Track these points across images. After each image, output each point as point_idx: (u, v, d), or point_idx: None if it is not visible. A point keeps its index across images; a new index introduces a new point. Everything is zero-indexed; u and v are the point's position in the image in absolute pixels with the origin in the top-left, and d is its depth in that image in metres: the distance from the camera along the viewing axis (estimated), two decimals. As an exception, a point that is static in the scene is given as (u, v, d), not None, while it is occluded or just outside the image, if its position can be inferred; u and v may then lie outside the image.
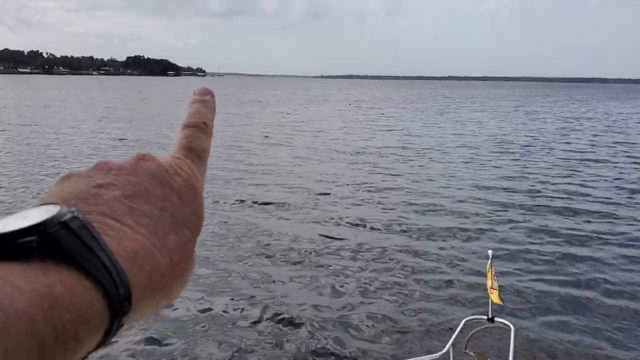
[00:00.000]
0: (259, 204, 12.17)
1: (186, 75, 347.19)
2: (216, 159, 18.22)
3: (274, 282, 7.65)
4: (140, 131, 27.47)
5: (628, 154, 21.35)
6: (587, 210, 12.04)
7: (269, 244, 9.32)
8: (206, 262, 8.05)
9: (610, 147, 23.75)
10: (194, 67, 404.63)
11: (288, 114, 42.31)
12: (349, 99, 77.64)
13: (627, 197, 13.50)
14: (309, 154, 20.05)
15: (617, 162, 19.28)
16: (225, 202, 12.20)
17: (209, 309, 6.68)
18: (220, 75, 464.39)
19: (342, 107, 53.58)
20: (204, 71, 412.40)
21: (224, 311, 6.68)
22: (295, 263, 8.44)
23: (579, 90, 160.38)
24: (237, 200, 12.44)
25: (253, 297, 7.10)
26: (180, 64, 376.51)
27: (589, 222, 11.10)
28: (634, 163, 19.12)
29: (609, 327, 6.45)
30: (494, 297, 4.15)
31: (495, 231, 10.30)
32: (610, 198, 13.35)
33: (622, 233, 10.27)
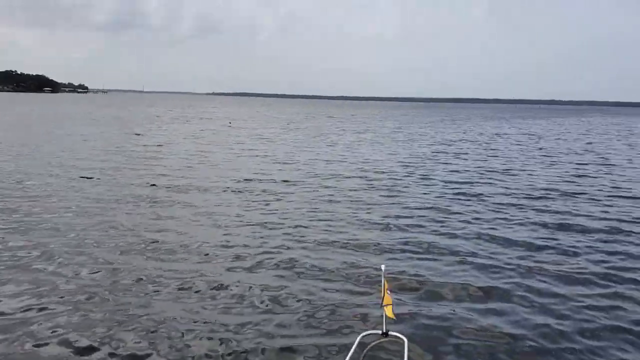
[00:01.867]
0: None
1: (66, 91, 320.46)
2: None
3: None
4: None
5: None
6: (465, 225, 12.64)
7: None
8: None
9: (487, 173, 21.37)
10: (76, 84, 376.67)
11: (138, 134, 36.76)
12: (230, 117, 73.47)
13: (507, 218, 13.74)
14: (109, 195, 15.08)
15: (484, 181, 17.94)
16: None
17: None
18: (104, 91, 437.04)
19: (214, 127, 48.89)
20: (86, 87, 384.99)
21: None
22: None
23: (459, 111, 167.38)
24: None
25: None
26: (60, 79, 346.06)
27: (467, 239, 11.48)
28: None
29: (497, 335, 6.86)
30: (388, 311, 4.16)
31: (386, 247, 10.51)
32: (488, 219, 13.52)
33: (494, 253, 10.52)
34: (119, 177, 18.05)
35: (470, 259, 9.93)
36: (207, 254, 9.71)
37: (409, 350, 4.01)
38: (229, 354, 6.20)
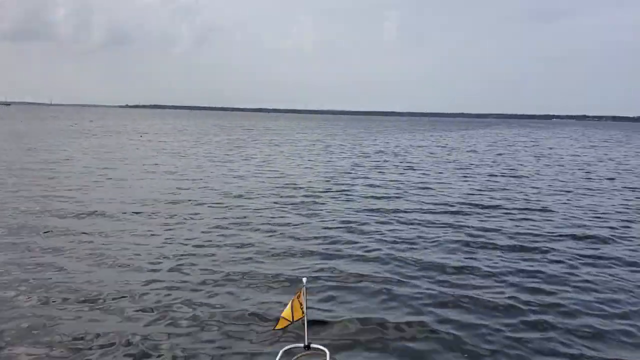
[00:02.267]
0: None
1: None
2: None
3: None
4: None
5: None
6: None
7: None
8: None
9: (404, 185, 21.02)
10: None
11: (31, 149, 33.76)
12: (142, 130, 70.31)
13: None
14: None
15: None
16: None
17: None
18: (7, 104, 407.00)
19: (122, 141, 46.11)
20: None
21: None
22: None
23: (376, 123, 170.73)
24: None
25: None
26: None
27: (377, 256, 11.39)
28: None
29: (416, 347, 6.94)
30: (295, 319, 4.15)
31: (297, 278, 9.41)
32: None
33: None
34: (-1, 200, 15.93)
35: (387, 287, 9.17)
36: (83, 297, 8.26)
37: None
38: None
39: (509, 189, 21.82)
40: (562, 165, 33.36)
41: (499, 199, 18.89)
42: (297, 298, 4.26)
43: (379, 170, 27.56)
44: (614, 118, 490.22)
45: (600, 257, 11.50)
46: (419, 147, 50.41)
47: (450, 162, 34.16)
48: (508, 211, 16.61)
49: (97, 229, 12.65)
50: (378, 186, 21.57)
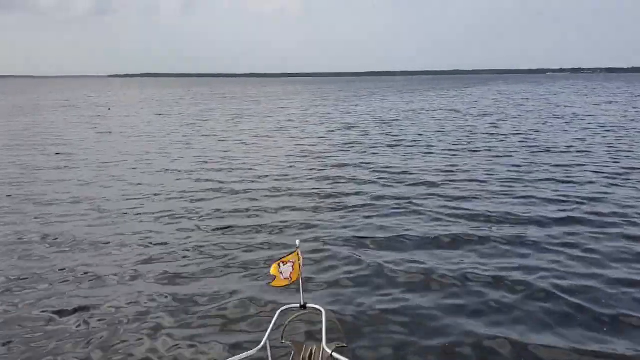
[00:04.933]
0: None
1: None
2: None
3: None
4: None
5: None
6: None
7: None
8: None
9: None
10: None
11: None
12: (115, 102, 64.50)
13: None
14: None
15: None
16: None
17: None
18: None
19: (71, 117, 39.36)
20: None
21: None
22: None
23: (369, 84, 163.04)
24: None
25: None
26: None
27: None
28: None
29: (402, 306, 6.77)
30: (291, 277, 4.16)
31: (301, 223, 10.18)
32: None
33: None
34: None
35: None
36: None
37: (327, 321, 4.00)
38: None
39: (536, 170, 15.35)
40: None
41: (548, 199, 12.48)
42: (294, 259, 4.04)
43: (373, 153, 20.89)
44: (609, 70, 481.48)
45: None
46: (423, 110, 43.37)
47: (480, 132, 27.39)
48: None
49: None
50: (375, 178, 15.07)
